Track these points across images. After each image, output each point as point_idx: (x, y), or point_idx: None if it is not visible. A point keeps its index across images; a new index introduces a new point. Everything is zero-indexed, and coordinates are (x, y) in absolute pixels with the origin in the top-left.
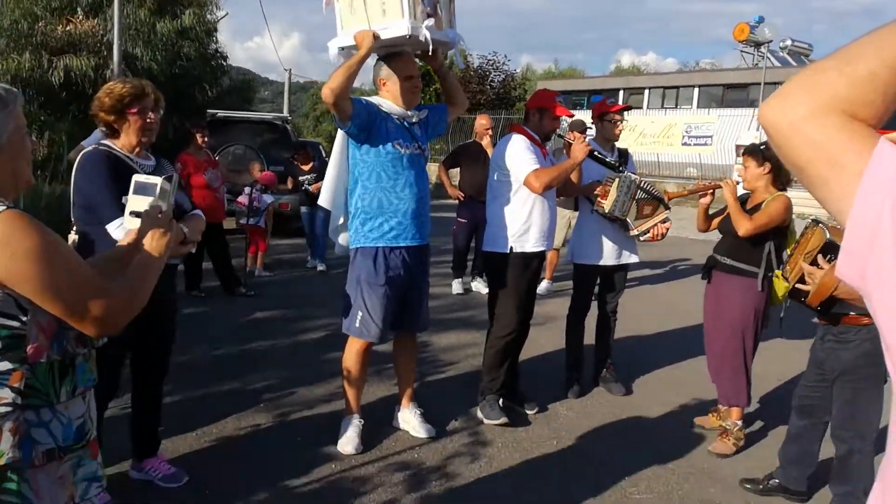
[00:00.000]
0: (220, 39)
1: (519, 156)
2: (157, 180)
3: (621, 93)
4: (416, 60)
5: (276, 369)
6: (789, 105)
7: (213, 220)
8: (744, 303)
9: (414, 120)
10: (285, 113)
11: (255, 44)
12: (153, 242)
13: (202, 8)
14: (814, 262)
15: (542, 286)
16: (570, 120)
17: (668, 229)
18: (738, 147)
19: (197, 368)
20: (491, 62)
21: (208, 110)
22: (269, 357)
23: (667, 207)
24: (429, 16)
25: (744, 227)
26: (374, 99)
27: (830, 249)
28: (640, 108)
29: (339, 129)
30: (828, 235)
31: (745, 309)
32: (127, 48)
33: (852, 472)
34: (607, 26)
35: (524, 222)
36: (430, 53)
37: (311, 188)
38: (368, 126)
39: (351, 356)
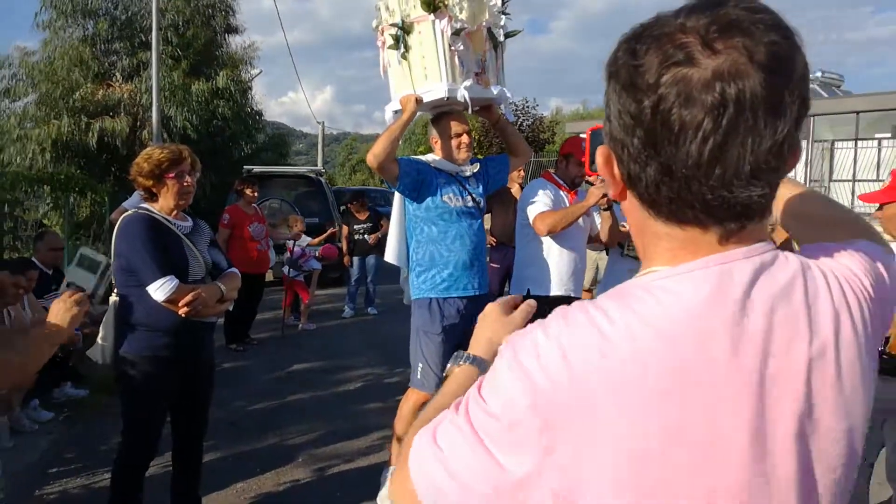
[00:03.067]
0: (254, 97)
1: (531, 199)
2: (103, 259)
3: None
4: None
5: (314, 422)
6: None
7: (258, 271)
8: None
9: (467, 174)
10: (319, 165)
11: (290, 98)
12: (59, 313)
13: (236, 68)
14: None
15: None
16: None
17: None
18: None
19: (236, 424)
20: (521, 108)
21: (244, 166)
22: (308, 410)
23: None
24: (476, 75)
25: None
26: (427, 157)
27: None
28: None
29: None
30: None
31: None
32: (163, 109)
33: None
34: None
35: (541, 266)
36: (471, 111)
37: (368, 238)
38: (418, 184)
39: (407, 408)
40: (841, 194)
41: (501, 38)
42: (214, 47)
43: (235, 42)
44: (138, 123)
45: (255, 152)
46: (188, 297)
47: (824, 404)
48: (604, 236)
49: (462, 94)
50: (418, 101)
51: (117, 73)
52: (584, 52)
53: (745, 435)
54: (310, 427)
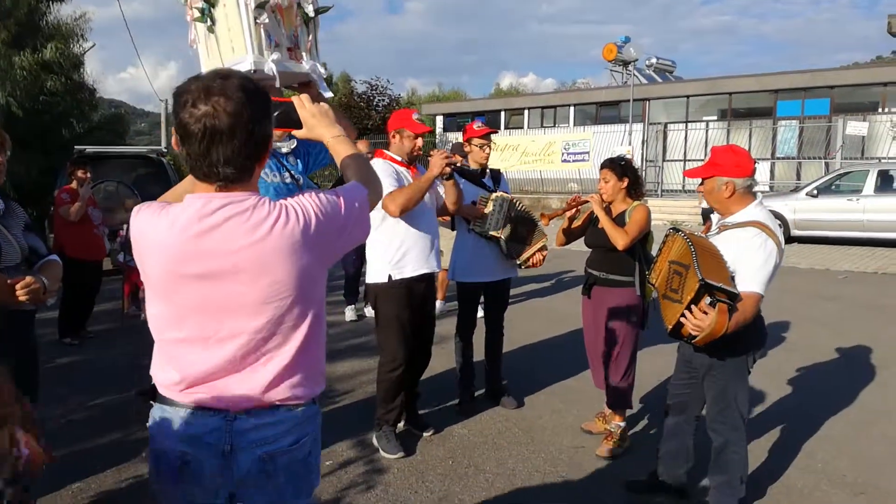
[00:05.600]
0: (87, 71)
1: None
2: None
3: (503, 113)
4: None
5: None
6: None
7: (94, 258)
8: (625, 313)
9: (284, 150)
10: (163, 145)
11: (130, 74)
12: None
13: (65, 40)
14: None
15: (437, 306)
16: (452, 144)
17: (545, 256)
18: None
19: (72, 421)
20: (375, 87)
21: (76, 146)
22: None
23: (543, 234)
24: (289, 50)
25: (622, 240)
26: None
27: (708, 292)
28: (522, 127)
29: None
30: (690, 243)
31: (626, 318)
32: None
33: (728, 462)
34: (490, 49)
35: (398, 248)
36: (278, 84)
37: None
38: None
39: None
40: (673, 172)
41: (311, 14)
42: (38, 16)
43: (64, 12)
44: None
45: (90, 131)
46: (21, 285)
47: (260, 261)
48: (450, 205)
49: (269, 67)
50: None
51: None
52: (438, 34)
53: (192, 276)
54: None
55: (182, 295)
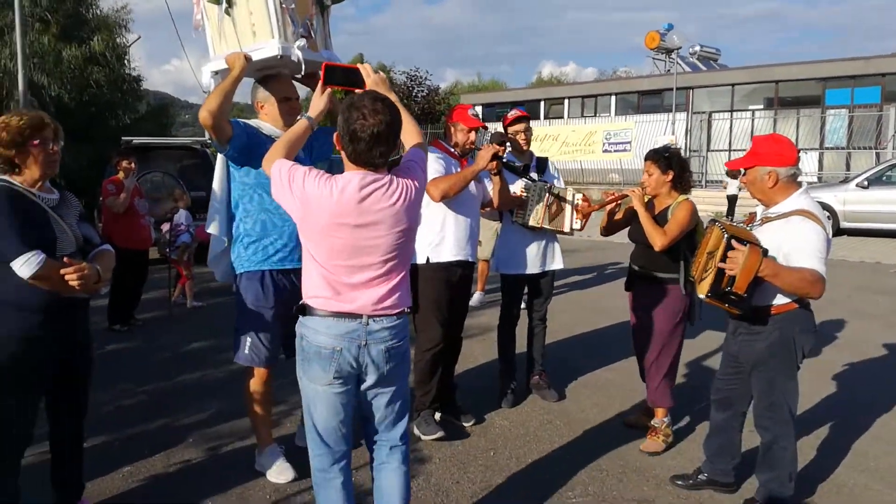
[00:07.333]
0: (133, 63)
1: None
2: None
3: (542, 103)
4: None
5: (204, 402)
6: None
7: (142, 247)
8: (669, 310)
9: None
10: (206, 136)
11: (174, 66)
12: None
13: (111, 32)
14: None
15: (476, 298)
16: (490, 133)
17: (582, 208)
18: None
19: (123, 407)
20: (414, 77)
21: (123, 137)
22: (199, 390)
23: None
24: (302, 37)
25: (659, 242)
26: (253, 122)
27: (736, 240)
28: (562, 117)
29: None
30: (725, 233)
31: (670, 316)
32: (32, 77)
33: (776, 459)
34: (529, 38)
35: (438, 232)
36: (303, 75)
37: None
38: (248, 149)
39: (254, 385)
40: (718, 163)
41: (328, 2)
42: (85, 9)
43: (107, 4)
44: (4, 92)
45: (136, 123)
46: (71, 270)
47: (393, 217)
48: (495, 200)
49: (296, 54)
50: (247, 59)
51: None
52: (477, 24)
53: (351, 225)
54: (200, 406)
55: (339, 237)
